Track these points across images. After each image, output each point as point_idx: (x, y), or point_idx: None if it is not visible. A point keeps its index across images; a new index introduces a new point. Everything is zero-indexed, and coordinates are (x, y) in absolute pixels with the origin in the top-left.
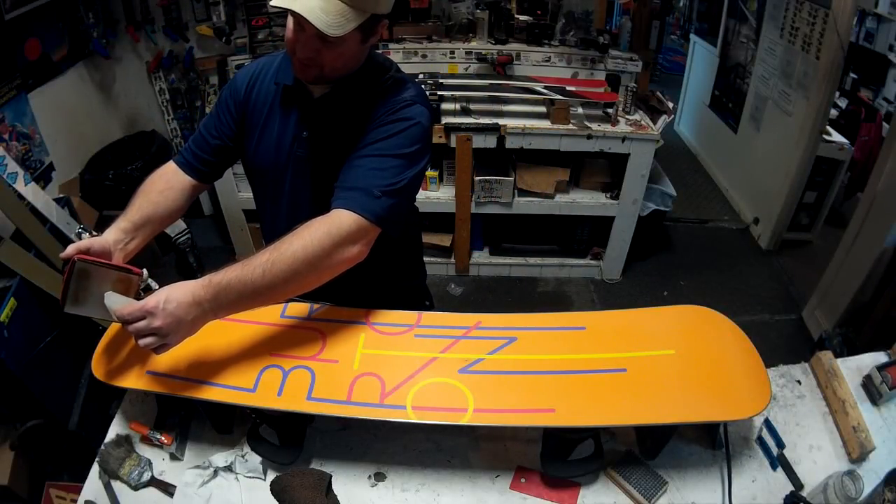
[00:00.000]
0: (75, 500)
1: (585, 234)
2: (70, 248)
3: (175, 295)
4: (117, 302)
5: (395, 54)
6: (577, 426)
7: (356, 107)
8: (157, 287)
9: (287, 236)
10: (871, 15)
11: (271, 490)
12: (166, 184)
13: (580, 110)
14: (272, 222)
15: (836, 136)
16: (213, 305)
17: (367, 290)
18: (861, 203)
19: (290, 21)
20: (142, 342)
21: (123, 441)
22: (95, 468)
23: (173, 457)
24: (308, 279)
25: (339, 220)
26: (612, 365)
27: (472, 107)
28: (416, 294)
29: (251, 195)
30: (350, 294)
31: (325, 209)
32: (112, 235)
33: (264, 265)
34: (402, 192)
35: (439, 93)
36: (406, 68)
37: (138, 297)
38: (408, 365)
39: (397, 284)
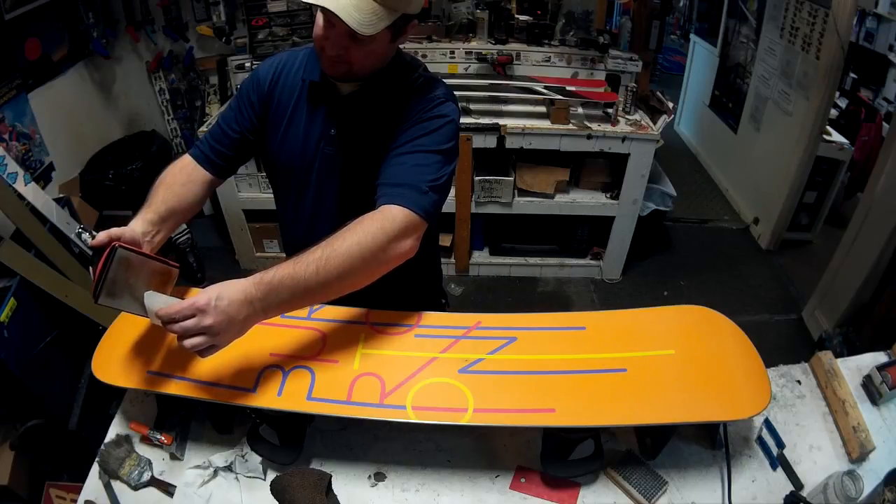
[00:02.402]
0: (75, 500)
1: (585, 234)
2: (102, 235)
3: (227, 292)
4: (159, 301)
5: None
6: (577, 426)
7: (386, 105)
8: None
9: (338, 233)
10: (871, 15)
11: (271, 490)
12: (188, 177)
13: (580, 110)
14: (294, 219)
15: (836, 136)
16: (264, 304)
17: (388, 290)
18: (861, 203)
19: (319, 17)
20: (189, 343)
21: (123, 441)
22: (95, 468)
23: (173, 457)
24: (362, 275)
25: (392, 215)
26: (612, 365)
27: (472, 107)
28: (433, 294)
29: (251, 195)
30: (371, 295)
31: (351, 206)
32: (140, 227)
33: (317, 262)
34: (444, 188)
35: None
36: None
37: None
38: (408, 365)
39: (418, 284)
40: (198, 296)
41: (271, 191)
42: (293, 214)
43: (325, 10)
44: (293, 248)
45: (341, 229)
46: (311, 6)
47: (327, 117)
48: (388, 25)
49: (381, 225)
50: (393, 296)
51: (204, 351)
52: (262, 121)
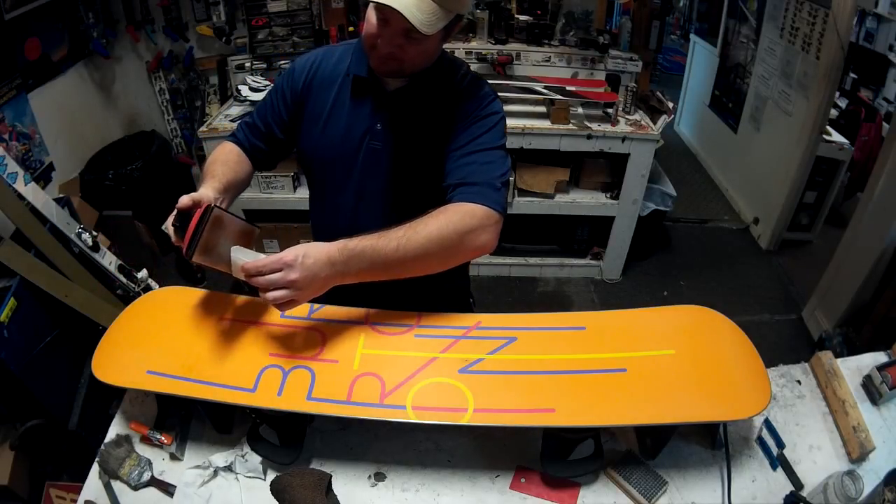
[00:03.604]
0: (75, 500)
1: (585, 234)
2: (185, 199)
3: (312, 251)
4: (246, 255)
5: None
6: (577, 426)
7: (434, 102)
8: (157, 286)
9: (422, 218)
10: (871, 15)
11: (271, 490)
12: (239, 156)
13: (580, 110)
14: (333, 213)
15: (836, 136)
16: (344, 268)
17: (423, 287)
18: (861, 203)
19: (372, 15)
20: (272, 295)
21: (123, 441)
22: (95, 468)
23: (173, 457)
24: (437, 260)
25: (472, 210)
26: (612, 365)
27: None
28: (462, 293)
29: (251, 195)
30: (407, 291)
31: (396, 200)
32: (212, 193)
33: (399, 240)
34: (508, 182)
35: None
36: None
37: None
38: (408, 365)
39: (452, 283)
40: (285, 252)
41: (272, 190)
42: (331, 207)
43: (383, 8)
44: (333, 238)
45: (424, 216)
46: (376, 3)
47: (373, 112)
48: (444, 25)
49: (462, 217)
50: (428, 293)
51: (284, 304)
52: (296, 116)
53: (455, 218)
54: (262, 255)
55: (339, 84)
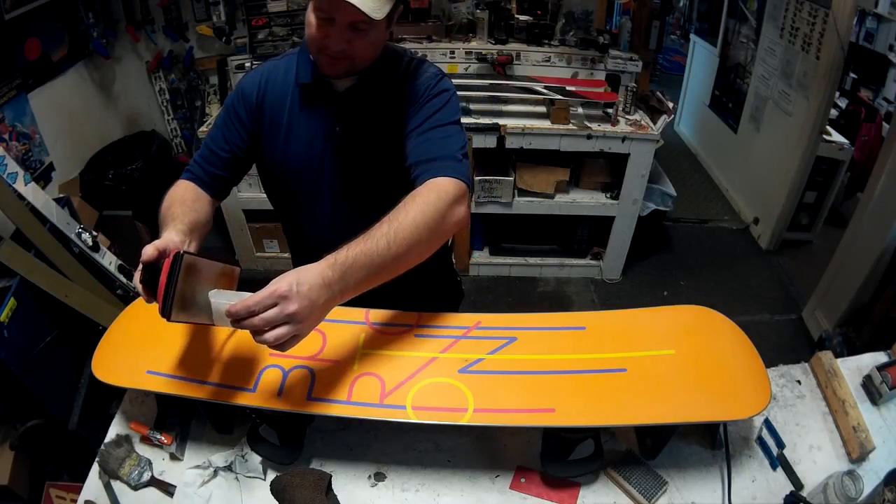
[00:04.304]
0: (75, 500)
1: (585, 234)
2: (149, 249)
3: (305, 277)
4: (229, 296)
5: None
6: (577, 426)
7: (384, 93)
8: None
9: (397, 208)
10: (871, 15)
11: (271, 490)
12: (195, 194)
13: (580, 110)
14: (312, 222)
15: (836, 136)
16: (341, 286)
17: (410, 282)
18: (861, 203)
19: (312, 18)
20: (272, 335)
21: (123, 441)
22: (95, 468)
23: (173, 457)
24: (428, 245)
25: (441, 185)
26: (612, 365)
27: (472, 107)
28: (447, 273)
29: (251, 195)
30: (395, 288)
31: (372, 196)
32: (176, 237)
33: (387, 236)
34: (467, 155)
35: None
36: None
37: None
38: (408, 365)
39: (429, 265)
40: (276, 283)
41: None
42: (310, 218)
43: (328, 6)
44: (316, 250)
45: (397, 206)
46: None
47: (329, 116)
48: (389, 10)
49: (437, 195)
50: (416, 283)
51: (286, 343)
52: (255, 135)
53: (431, 198)
54: (246, 294)
55: (291, 95)
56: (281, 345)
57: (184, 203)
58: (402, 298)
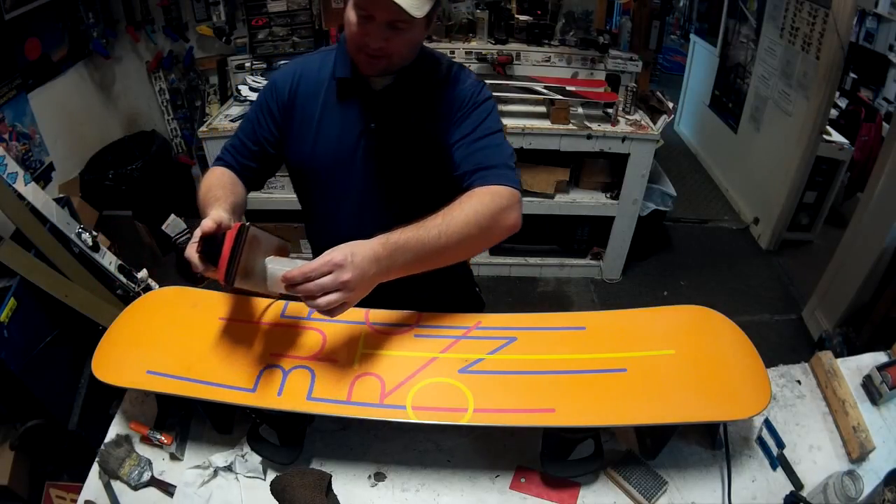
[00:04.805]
0: (75, 500)
1: (585, 234)
2: (208, 223)
3: (359, 249)
4: (284, 263)
5: None
6: (577, 426)
7: (422, 95)
8: (157, 286)
9: (453, 204)
10: (871, 15)
11: (271, 490)
12: (232, 179)
13: (580, 110)
14: (334, 222)
15: (836, 136)
16: (389, 263)
17: (430, 285)
18: (861, 203)
19: (352, 15)
20: (324, 300)
21: (123, 441)
22: (95, 468)
23: (173, 457)
24: (477, 243)
25: (498, 190)
26: (612, 365)
27: None
28: (466, 283)
29: (251, 195)
30: (412, 291)
31: (399, 200)
32: (224, 214)
33: (440, 227)
34: (516, 163)
35: None
36: None
37: None
38: (408, 365)
39: (453, 271)
40: (332, 252)
41: (271, 190)
42: (333, 214)
43: (367, 4)
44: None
45: (452, 202)
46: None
47: (364, 112)
48: (429, 9)
49: (492, 197)
50: (436, 286)
51: (335, 309)
52: (284, 130)
53: (486, 199)
54: (299, 262)
55: (325, 90)
56: (331, 310)
57: (223, 186)
58: (423, 305)
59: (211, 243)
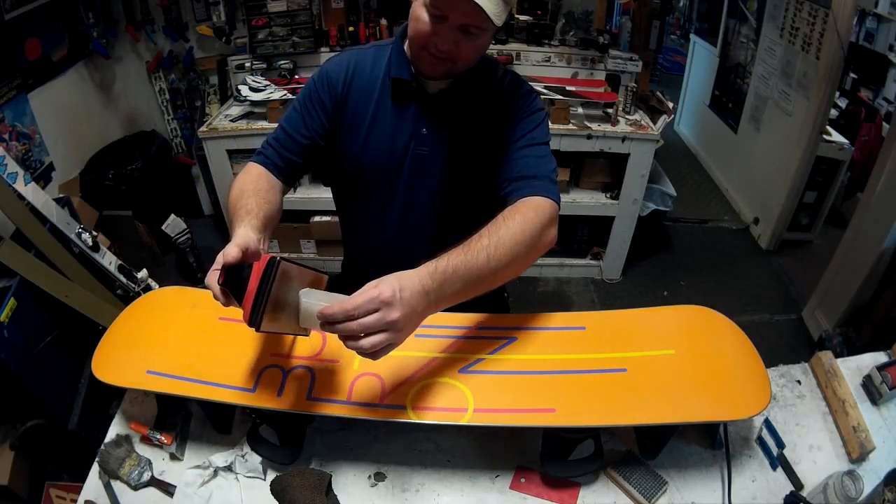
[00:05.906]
0: (75, 500)
1: (585, 234)
2: (233, 250)
3: (407, 283)
4: (321, 297)
5: None
6: (577, 426)
7: (477, 101)
8: (157, 286)
9: (496, 222)
10: (871, 15)
11: (271, 490)
12: (268, 183)
13: (580, 110)
14: (380, 222)
15: (836, 136)
16: (438, 296)
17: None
18: (861, 203)
19: (424, 13)
20: (369, 342)
21: (123, 441)
22: (95, 468)
23: (173, 457)
24: (523, 262)
25: (538, 204)
26: (612, 365)
27: None
28: (500, 299)
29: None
30: None
31: (446, 204)
32: (253, 233)
33: (487, 249)
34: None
35: None
36: None
37: None
38: (408, 365)
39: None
40: (378, 286)
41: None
42: (378, 217)
43: (443, 4)
44: (375, 252)
45: (495, 220)
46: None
47: (417, 116)
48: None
49: (535, 213)
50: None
51: (380, 351)
52: (336, 123)
53: (531, 216)
54: (339, 296)
55: (380, 87)
56: (375, 353)
57: (258, 193)
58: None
59: (235, 274)
